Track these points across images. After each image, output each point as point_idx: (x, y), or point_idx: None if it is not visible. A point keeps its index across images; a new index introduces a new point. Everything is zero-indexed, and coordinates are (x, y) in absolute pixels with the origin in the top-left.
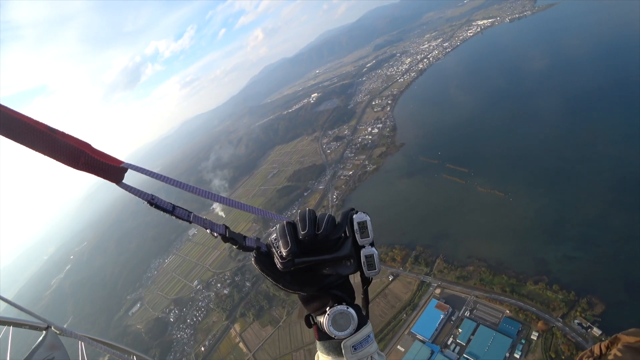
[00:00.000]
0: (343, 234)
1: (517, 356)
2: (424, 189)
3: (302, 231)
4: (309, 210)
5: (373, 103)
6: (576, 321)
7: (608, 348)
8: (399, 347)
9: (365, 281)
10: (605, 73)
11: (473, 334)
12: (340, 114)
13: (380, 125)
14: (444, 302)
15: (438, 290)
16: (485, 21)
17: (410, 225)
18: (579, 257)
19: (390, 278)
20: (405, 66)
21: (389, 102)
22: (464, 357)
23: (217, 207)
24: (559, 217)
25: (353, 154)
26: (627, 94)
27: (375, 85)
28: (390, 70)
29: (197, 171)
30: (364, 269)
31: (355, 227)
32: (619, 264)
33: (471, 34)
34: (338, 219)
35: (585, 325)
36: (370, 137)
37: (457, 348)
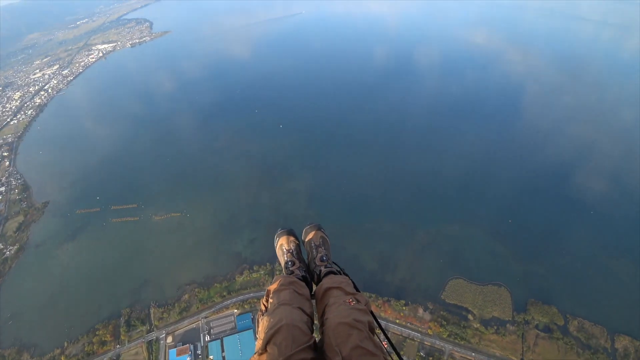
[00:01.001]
0: None
1: None
2: (97, 245)
3: None
4: None
5: None
6: None
7: (267, 299)
8: None
9: None
10: (216, 89)
11: (223, 350)
12: None
13: (3, 189)
14: (182, 345)
15: (170, 338)
16: (106, 45)
17: (103, 294)
18: (257, 236)
19: None
20: (15, 103)
21: (5, 154)
22: None
23: None
24: (230, 214)
25: None
26: (240, 101)
27: None
28: None
29: None
30: None
31: None
32: (279, 225)
33: (93, 59)
34: None
35: None
36: None
37: None
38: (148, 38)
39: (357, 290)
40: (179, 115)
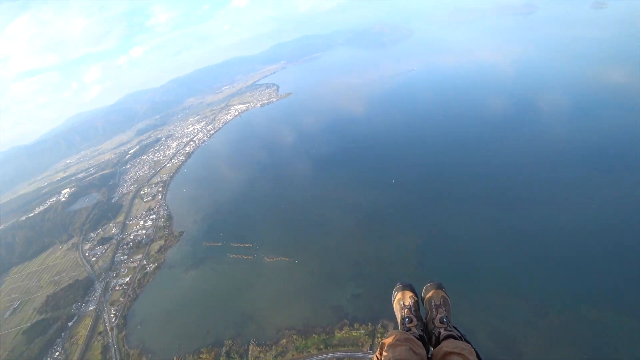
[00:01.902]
0: None
1: None
2: (214, 276)
3: None
4: None
5: (142, 192)
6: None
7: (381, 353)
8: None
9: None
10: (331, 143)
11: None
12: (103, 210)
13: (154, 216)
14: None
15: None
16: (241, 106)
17: (211, 321)
18: (361, 292)
19: None
20: (172, 150)
21: (160, 189)
22: None
23: None
24: (334, 265)
25: (127, 256)
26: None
27: (142, 172)
28: (157, 155)
29: None
30: None
31: None
32: (386, 284)
33: (231, 117)
34: None
35: None
36: (144, 231)
37: None
38: (274, 99)
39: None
40: (297, 165)
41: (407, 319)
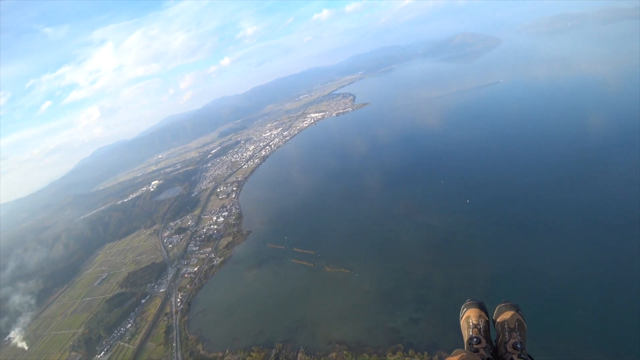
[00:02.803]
0: None
1: None
2: (275, 277)
3: None
4: None
5: (218, 190)
6: None
7: None
8: None
9: None
10: (405, 156)
11: None
12: (183, 202)
13: (226, 213)
14: None
15: None
16: (317, 114)
17: (265, 321)
18: (421, 317)
19: None
20: (249, 153)
21: (234, 188)
22: None
23: (17, 337)
24: (396, 284)
25: (198, 247)
26: (427, 169)
27: (221, 171)
28: (235, 156)
29: None
30: None
31: None
32: (449, 314)
33: (306, 125)
34: None
35: None
36: (215, 226)
37: None
38: (350, 109)
39: None
40: (368, 176)
41: (475, 339)
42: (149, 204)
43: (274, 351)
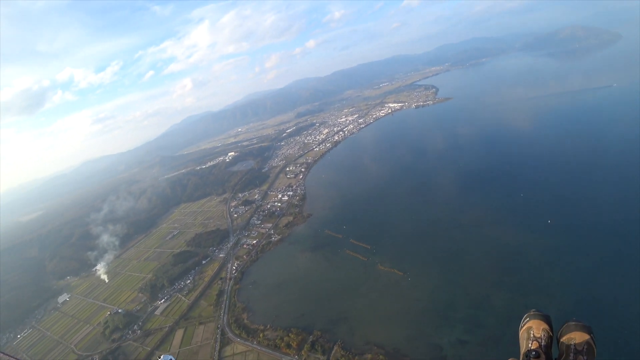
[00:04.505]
0: None
1: None
2: (326, 265)
3: None
4: None
5: (287, 169)
6: None
7: None
8: None
9: None
10: (484, 159)
11: None
12: (253, 176)
13: (291, 193)
14: None
15: None
16: (395, 104)
17: (309, 306)
18: (470, 341)
19: None
20: (322, 136)
21: (302, 169)
22: None
23: (101, 270)
24: (449, 299)
25: (260, 221)
26: (507, 178)
27: (292, 151)
28: (308, 138)
29: (85, 223)
30: None
31: None
32: (503, 345)
33: (383, 114)
34: None
35: None
36: (279, 204)
37: None
38: (431, 102)
39: None
40: (440, 176)
41: (533, 353)
42: (223, 173)
43: (311, 337)
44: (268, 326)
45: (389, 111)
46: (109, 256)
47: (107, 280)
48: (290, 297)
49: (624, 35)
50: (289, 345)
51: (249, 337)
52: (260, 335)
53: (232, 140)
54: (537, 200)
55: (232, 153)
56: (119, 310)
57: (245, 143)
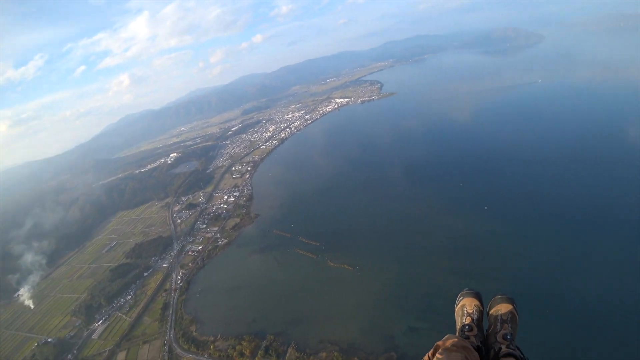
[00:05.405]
0: None
1: None
2: (276, 266)
3: None
4: None
5: (233, 169)
6: None
7: (434, 354)
8: None
9: None
10: (426, 153)
11: None
12: (197, 178)
13: (237, 194)
14: None
15: None
16: (342, 100)
17: (261, 310)
18: (421, 327)
19: None
20: (269, 133)
21: (249, 168)
22: None
23: (24, 295)
24: (401, 289)
25: (205, 225)
26: (450, 166)
27: (238, 150)
28: (254, 135)
29: (3, 242)
30: None
31: None
32: (451, 327)
33: (330, 110)
34: None
35: None
36: (225, 206)
37: None
38: (376, 97)
39: None
40: (386, 170)
41: (467, 327)
42: (164, 176)
43: (264, 342)
44: (219, 336)
45: (336, 107)
46: (34, 278)
47: (32, 306)
48: (241, 303)
49: (546, 36)
50: (241, 354)
51: (199, 350)
52: (211, 346)
53: (175, 140)
54: (476, 190)
55: (175, 154)
56: (49, 340)
57: (188, 143)
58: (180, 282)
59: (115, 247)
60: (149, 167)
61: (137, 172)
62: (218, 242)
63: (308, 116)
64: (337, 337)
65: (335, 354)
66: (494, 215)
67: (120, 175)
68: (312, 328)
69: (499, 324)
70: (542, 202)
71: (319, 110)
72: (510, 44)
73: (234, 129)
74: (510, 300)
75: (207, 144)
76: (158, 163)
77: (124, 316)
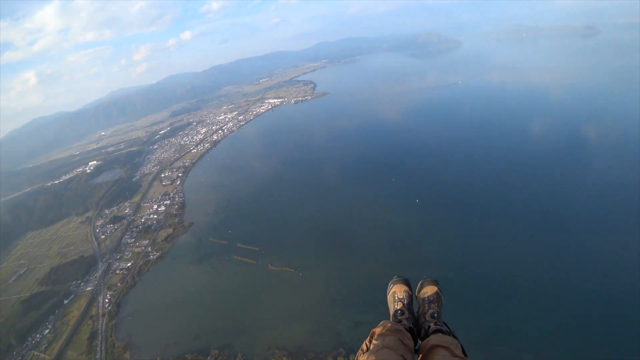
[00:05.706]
0: None
1: None
2: (215, 276)
3: None
4: None
5: (162, 175)
6: None
7: (370, 341)
8: None
9: None
10: (359, 151)
11: None
12: (122, 187)
13: (168, 202)
14: None
15: None
16: (276, 100)
17: (203, 325)
18: (363, 320)
19: None
20: (200, 136)
21: (180, 174)
22: None
23: None
24: (343, 286)
25: (134, 239)
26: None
27: (167, 154)
28: (184, 139)
29: None
30: None
31: None
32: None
33: (263, 110)
34: None
35: None
36: (155, 216)
37: None
38: (310, 97)
39: (465, 355)
40: (321, 169)
41: (399, 312)
42: (83, 187)
43: (209, 358)
44: (158, 359)
45: (269, 107)
46: None
47: None
48: (180, 320)
49: (464, 42)
50: None
51: None
52: None
53: (94, 146)
54: (406, 183)
55: (95, 162)
56: None
57: (110, 149)
58: (109, 306)
59: (25, 274)
60: (64, 178)
61: (50, 184)
62: (149, 256)
63: (241, 117)
64: (285, 342)
65: (284, 358)
66: (424, 206)
67: (27, 190)
68: (259, 336)
69: (426, 305)
70: (463, 192)
71: (252, 111)
72: (434, 48)
73: (162, 132)
74: (435, 282)
75: (132, 149)
76: (75, 173)
77: (42, 354)
